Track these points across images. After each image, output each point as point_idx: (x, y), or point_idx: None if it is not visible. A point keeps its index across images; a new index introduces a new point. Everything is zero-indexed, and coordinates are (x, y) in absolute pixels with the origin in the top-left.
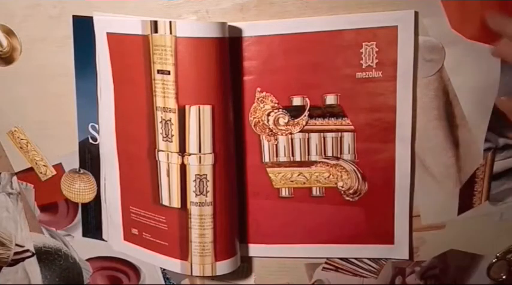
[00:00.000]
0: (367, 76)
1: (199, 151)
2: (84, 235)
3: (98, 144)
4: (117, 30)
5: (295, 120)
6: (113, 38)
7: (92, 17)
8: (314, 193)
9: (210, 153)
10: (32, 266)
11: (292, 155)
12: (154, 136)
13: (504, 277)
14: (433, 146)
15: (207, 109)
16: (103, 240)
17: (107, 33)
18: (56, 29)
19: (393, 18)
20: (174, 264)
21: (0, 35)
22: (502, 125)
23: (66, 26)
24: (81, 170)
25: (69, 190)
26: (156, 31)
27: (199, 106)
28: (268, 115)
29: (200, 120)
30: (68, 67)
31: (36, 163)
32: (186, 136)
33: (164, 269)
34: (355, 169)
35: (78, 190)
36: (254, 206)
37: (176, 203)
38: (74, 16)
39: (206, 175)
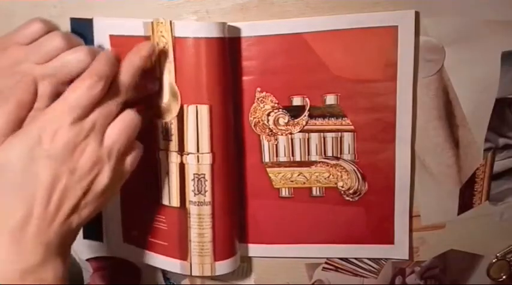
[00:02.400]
0: (367, 76)
1: (197, 151)
2: (85, 237)
3: None
4: (120, 32)
5: (295, 120)
6: (116, 40)
7: (89, 19)
8: (314, 193)
9: (208, 153)
10: None
11: (292, 155)
12: (155, 135)
13: (504, 277)
14: (433, 146)
15: (204, 109)
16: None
17: (110, 35)
18: None
19: (393, 18)
20: (174, 265)
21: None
22: (502, 125)
23: (66, 26)
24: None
25: None
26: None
27: (196, 106)
28: (268, 115)
29: (198, 119)
30: None
31: None
32: (185, 135)
33: (164, 269)
34: (355, 169)
35: None
36: (254, 206)
37: (176, 202)
38: (71, 18)
39: (204, 174)
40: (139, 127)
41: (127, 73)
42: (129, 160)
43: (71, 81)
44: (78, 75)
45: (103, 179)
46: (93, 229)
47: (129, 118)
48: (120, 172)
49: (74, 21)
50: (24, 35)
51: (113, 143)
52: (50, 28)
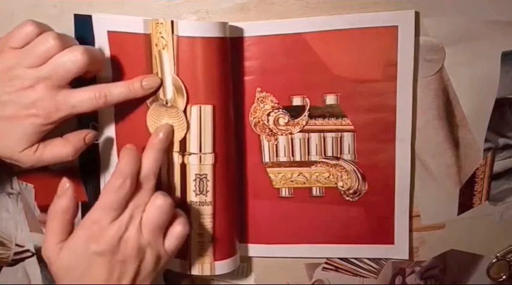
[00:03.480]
0: (367, 76)
1: (200, 151)
2: None
3: (99, 143)
4: (119, 29)
5: (295, 120)
6: (114, 37)
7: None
8: (314, 193)
9: (211, 153)
10: (32, 266)
11: (292, 155)
12: None
13: (504, 277)
14: (433, 146)
15: (208, 109)
16: None
17: (108, 31)
18: (55, 29)
19: (393, 18)
20: (173, 263)
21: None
22: (502, 125)
23: (66, 26)
24: (168, 103)
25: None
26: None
27: (200, 106)
28: (268, 115)
29: (201, 119)
30: None
31: None
32: (187, 135)
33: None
34: (355, 169)
35: None
36: (254, 206)
37: (176, 202)
38: (75, 15)
39: (206, 174)
40: (172, 206)
41: (150, 160)
42: (169, 241)
43: (70, 82)
44: (75, 76)
45: (148, 262)
46: None
47: (159, 202)
48: (164, 252)
49: (77, 17)
50: (17, 39)
51: (150, 230)
52: (43, 30)
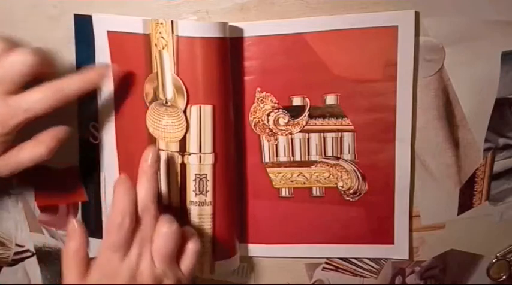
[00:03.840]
0: (367, 76)
1: (200, 151)
2: None
3: (99, 143)
4: (119, 29)
5: (295, 120)
6: (114, 36)
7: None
8: (314, 193)
9: (210, 153)
10: (32, 266)
11: (292, 155)
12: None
13: (504, 277)
14: (433, 146)
15: (208, 109)
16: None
17: (108, 31)
18: (56, 29)
19: (393, 18)
20: None
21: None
22: (502, 125)
23: (66, 26)
24: (168, 103)
25: (155, 126)
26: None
27: (200, 106)
28: (268, 115)
29: (201, 119)
30: (68, 67)
31: None
32: (187, 135)
33: None
34: (355, 169)
35: (165, 126)
36: (254, 206)
37: (176, 202)
38: (75, 15)
39: (206, 174)
40: (178, 230)
41: (145, 189)
42: (185, 262)
43: (23, 86)
44: (27, 78)
45: None
46: (93, 226)
47: (164, 231)
48: (181, 275)
49: (77, 17)
50: None
51: (161, 260)
52: None
